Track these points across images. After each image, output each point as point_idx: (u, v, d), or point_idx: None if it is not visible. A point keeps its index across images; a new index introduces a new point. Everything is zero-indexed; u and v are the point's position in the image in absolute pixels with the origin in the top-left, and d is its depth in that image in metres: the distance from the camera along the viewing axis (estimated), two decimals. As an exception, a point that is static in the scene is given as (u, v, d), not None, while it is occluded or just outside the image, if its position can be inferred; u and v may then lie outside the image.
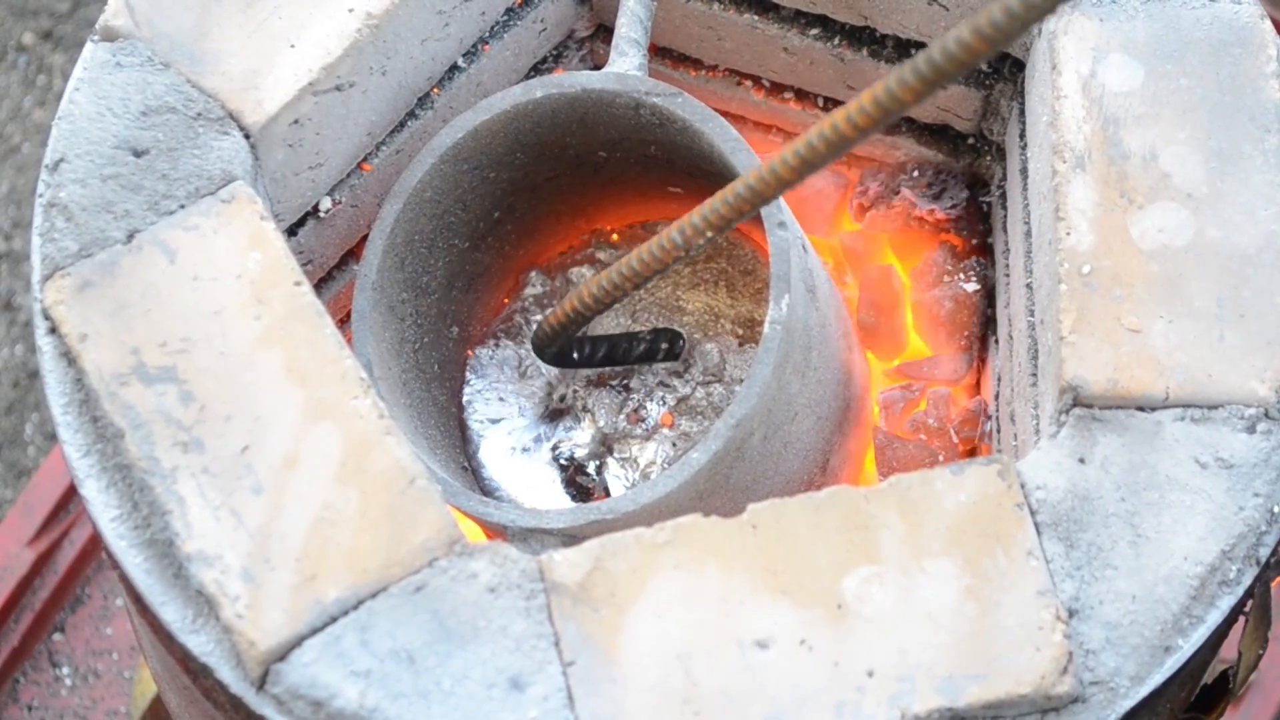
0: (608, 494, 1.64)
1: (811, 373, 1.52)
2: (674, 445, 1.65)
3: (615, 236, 1.74)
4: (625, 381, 1.67)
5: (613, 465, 1.65)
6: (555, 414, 1.67)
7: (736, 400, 1.45)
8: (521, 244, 1.70)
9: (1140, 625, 1.30)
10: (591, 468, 1.65)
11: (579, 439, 1.66)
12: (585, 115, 1.56)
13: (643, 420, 1.66)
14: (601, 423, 1.66)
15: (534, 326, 1.69)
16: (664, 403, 1.66)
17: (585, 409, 1.67)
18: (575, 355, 1.64)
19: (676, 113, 1.52)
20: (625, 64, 1.55)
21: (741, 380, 1.66)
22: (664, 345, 1.65)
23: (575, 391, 1.67)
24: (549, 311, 1.59)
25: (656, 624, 1.29)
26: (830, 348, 1.56)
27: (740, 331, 1.68)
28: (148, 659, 1.57)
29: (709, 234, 1.39)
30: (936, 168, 1.71)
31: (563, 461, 1.65)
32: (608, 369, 1.67)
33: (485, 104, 1.56)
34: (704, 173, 1.57)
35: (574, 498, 1.65)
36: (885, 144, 1.72)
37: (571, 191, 1.67)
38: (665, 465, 1.64)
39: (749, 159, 1.49)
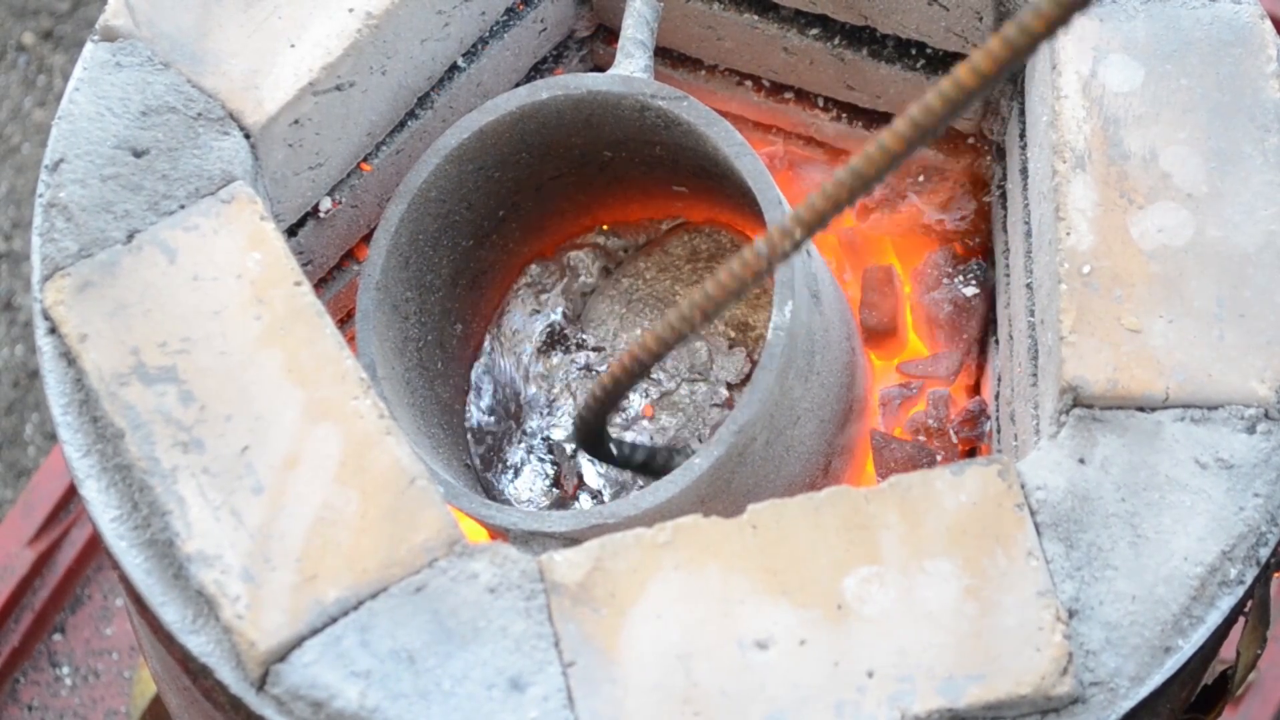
0: (580, 479, 1.65)
1: (814, 377, 1.52)
2: (651, 438, 1.65)
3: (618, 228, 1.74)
4: None
5: None
6: (537, 401, 1.68)
7: (740, 405, 1.45)
8: (526, 241, 1.70)
9: (1140, 626, 1.30)
10: (568, 451, 1.65)
11: (558, 421, 1.67)
12: (591, 117, 1.56)
13: (623, 409, 1.66)
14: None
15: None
16: (647, 395, 1.66)
17: (570, 393, 1.67)
18: (615, 453, 1.53)
19: (682, 116, 1.52)
20: (631, 66, 1.55)
21: (726, 382, 1.66)
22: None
23: (565, 379, 1.68)
24: (593, 386, 1.43)
25: (657, 624, 1.29)
26: (833, 351, 1.56)
27: (732, 334, 1.68)
28: (148, 659, 1.57)
29: (802, 235, 1.25)
30: (942, 173, 1.71)
31: (536, 444, 1.66)
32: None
33: (491, 105, 1.56)
34: (708, 173, 1.57)
35: (545, 479, 1.65)
36: (885, 144, 1.72)
37: (576, 189, 1.67)
38: None
39: (753, 164, 1.49)
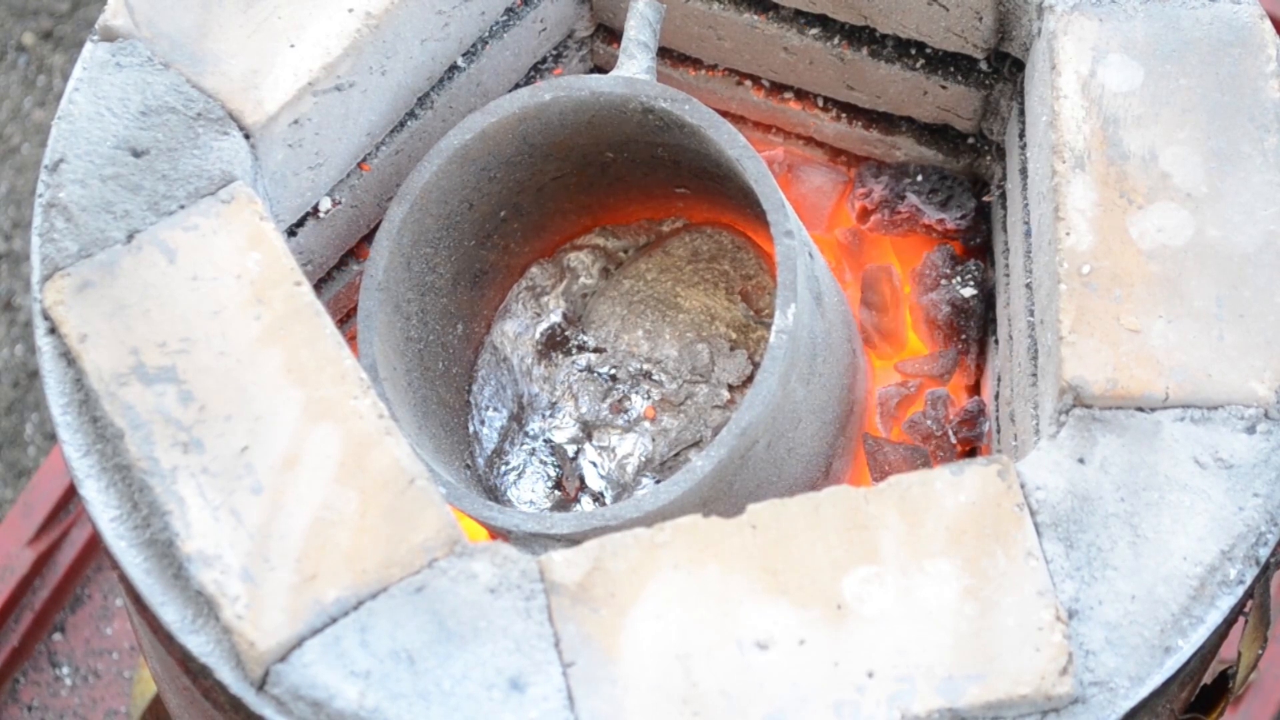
0: (582, 482, 1.65)
1: (816, 379, 1.52)
2: (653, 440, 1.65)
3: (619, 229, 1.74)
4: (613, 371, 1.67)
5: (590, 451, 1.66)
6: (536, 404, 1.68)
7: (742, 408, 1.45)
8: (527, 241, 1.70)
9: (1140, 625, 1.30)
10: (570, 452, 1.65)
11: (560, 423, 1.67)
12: (594, 118, 1.56)
13: (625, 411, 1.66)
14: (584, 409, 1.66)
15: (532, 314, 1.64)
16: (649, 396, 1.66)
17: (571, 395, 1.67)
18: None
19: (685, 118, 1.52)
20: (634, 67, 1.55)
21: (728, 384, 1.66)
22: None
23: (566, 381, 1.68)
24: None
25: (656, 624, 1.29)
26: (835, 353, 1.56)
27: (734, 336, 1.68)
28: (147, 659, 1.57)
29: None
30: (941, 171, 1.71)
31: (538, 446, 1.66)
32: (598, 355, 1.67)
33: (493, 106, 1.55)
34: (710, 175, 1.57)
35: (547, 481, 1.65)
36: (885, 143, 1.72)
37: (578, 190, 1.67)
38: (643, 459, 1.64)
39: (756, 165, 1.49)
